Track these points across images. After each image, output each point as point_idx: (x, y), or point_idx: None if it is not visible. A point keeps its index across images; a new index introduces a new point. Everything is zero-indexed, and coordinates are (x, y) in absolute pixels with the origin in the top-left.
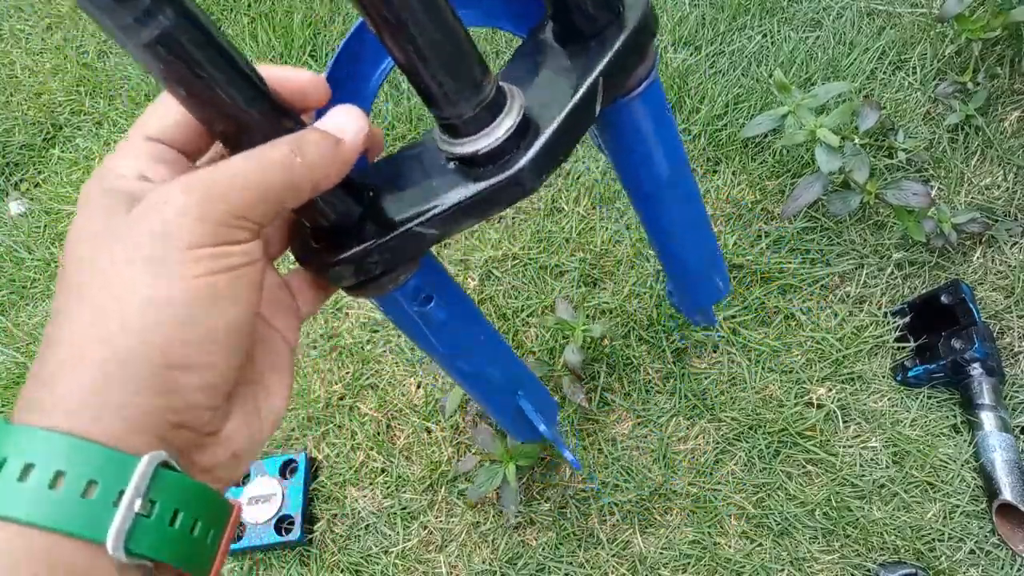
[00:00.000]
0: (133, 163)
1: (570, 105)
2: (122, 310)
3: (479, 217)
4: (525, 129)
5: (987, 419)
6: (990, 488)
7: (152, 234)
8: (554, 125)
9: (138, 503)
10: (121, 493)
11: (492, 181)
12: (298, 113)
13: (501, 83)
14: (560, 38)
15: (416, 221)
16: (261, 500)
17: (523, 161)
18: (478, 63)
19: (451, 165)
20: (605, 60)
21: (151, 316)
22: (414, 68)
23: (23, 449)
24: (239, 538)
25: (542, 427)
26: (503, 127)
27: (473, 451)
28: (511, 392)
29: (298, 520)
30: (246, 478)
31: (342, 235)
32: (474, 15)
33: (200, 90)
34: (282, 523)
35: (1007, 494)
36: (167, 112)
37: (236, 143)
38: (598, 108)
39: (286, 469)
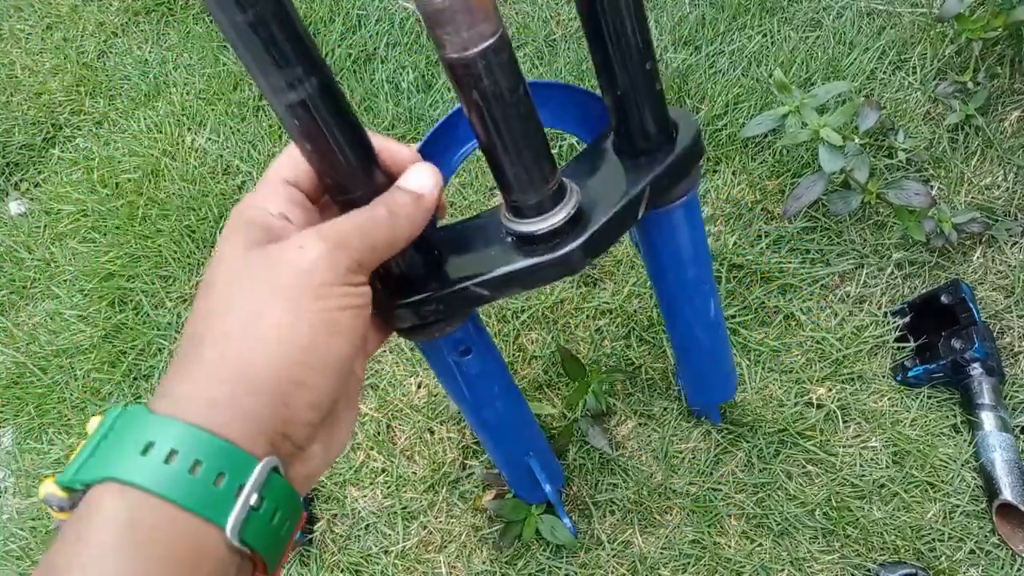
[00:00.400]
0: (274, 202)
1: (618, 206)
2: (261, 334)
3: (527, 287)
4: (578, 220)
5: (987, 419)
6: (990, 488)
7: (291, 272)
8: (603, 220)
9: (254, 498)
10: (241, 487)
11: (545, 258)
12: (392, 174)
13: (564, 178)
14: (619, 149)
15: (473, 281)
16: None
17: (573, 245)
18: (548, 159)
19: (510, 239)
20: (654, 174)
21: (284, 341)
22: (496, 154)
23: (168, 436)
24: None
25: (547, 487)
26: (560, 215)
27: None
28: (523, 450)
29: None
30: None
31: (408, 284)
32: (547, 116)
33: (324, 148)
34: None
35: (1007, 494)
36: (301, 161)
37: (340, 192)
38: (642, 211)
39: None
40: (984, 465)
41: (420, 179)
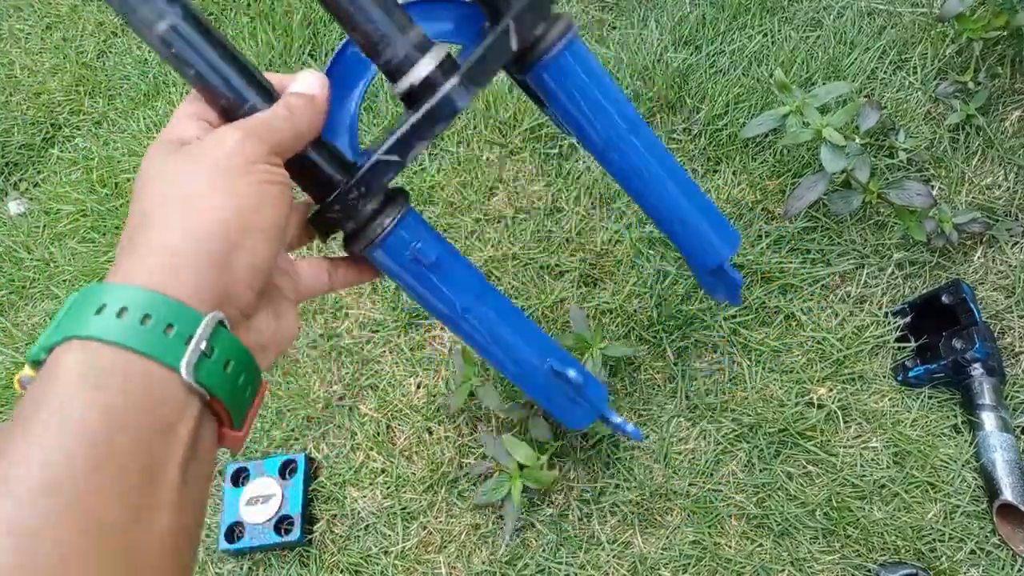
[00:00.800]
0: (185, 127)
1: (484, 43)
2: (198, 208)
3: (428, 137)
4: (452, 66)
5: (988, 419)
6: (991, 488)
7: (217, 156)
8: (473, 58)
9: (203, 344)
10: (190, 338)
11: (430, 104)
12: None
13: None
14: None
15: (378, 153)
16: (261, 500)
17: (449, 85)
18: (402, 12)
19: (401, 109)
20: (511, 14)
21: (219, 209)
22: (350, 16)
23: (118, 297)
24: (238, 538)
25: (575, 374)
26: (430, 63)
27: (488, 458)
28: (540, 355)
29: (298, 520)
30: (245, 478)
31: (328, 185)
32: (430, 30)
33: (203, 69)
34: (281, 523)
35: (1008, 494)
36: (198, 97)
37: (234, 112)
38: (514, 44)
39: (286, 469)
40: (985, 465)
41: (308, 81)
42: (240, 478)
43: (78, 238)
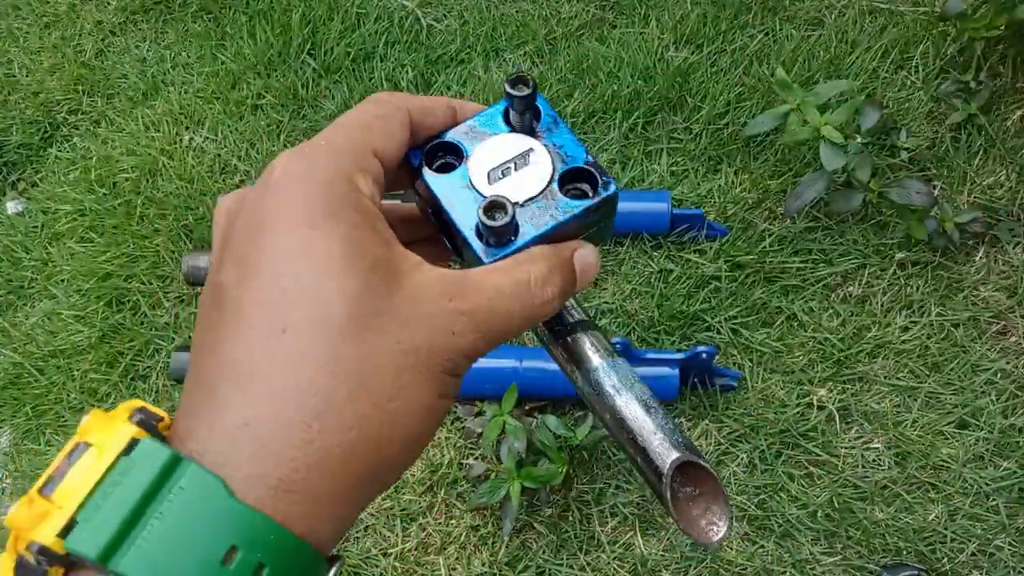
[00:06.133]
0: (364, 179)
1: None
2: (374, 415)
3: None
4: None
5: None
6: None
7: (431, 348)
8: None
9: None
10: None
11: None
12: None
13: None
14: None
15: None
16: None
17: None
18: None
19: None
20: None
21: (406, 427)
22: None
23: (235, 532)
24: None
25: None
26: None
27: (485, 459)
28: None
29: None
30: None
31: None
32: None
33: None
34: None
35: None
36: (394, 133)
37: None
38: None
39: None
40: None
41: (590, 258)
42: None
43: (76, 238)
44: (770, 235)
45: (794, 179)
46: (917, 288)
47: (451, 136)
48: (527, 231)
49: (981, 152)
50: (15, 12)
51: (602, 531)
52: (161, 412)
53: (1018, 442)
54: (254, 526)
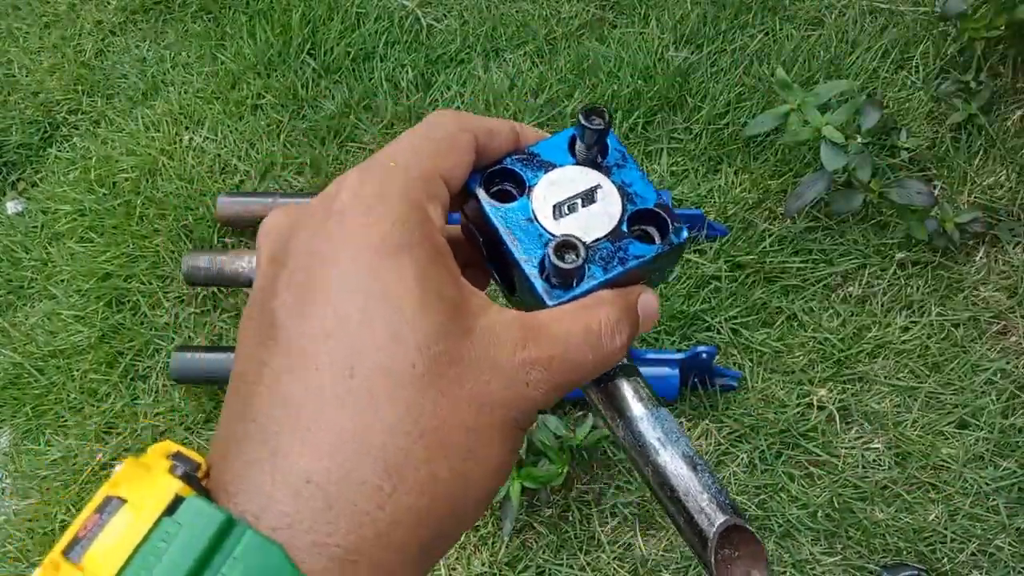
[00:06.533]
0: (434, 207)
1: None
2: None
3: None
4: None
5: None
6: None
7: (507, 401)
8: None
9: None
10: None
11: None
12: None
13: None
14: None
15: None
16: None
17: None
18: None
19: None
20: None
21: (478, 489)
22: None
23: None
24: None
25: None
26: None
27: None
28: None
29: None
30: None
31: None
32: None
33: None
34: None
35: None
36: (462, 158)
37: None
38: None
39: None
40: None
41: (652, 304)
42: None
43: (76, 238)
44: (770, 235)
45: (794, 179)
46: (917, 288)
47: (512, 163)
48: (594, 274)
49: (981, 152)
50: (15, 12)
51: (602, 531)
52: (198, 457)
53: (1018, 442)
54: None
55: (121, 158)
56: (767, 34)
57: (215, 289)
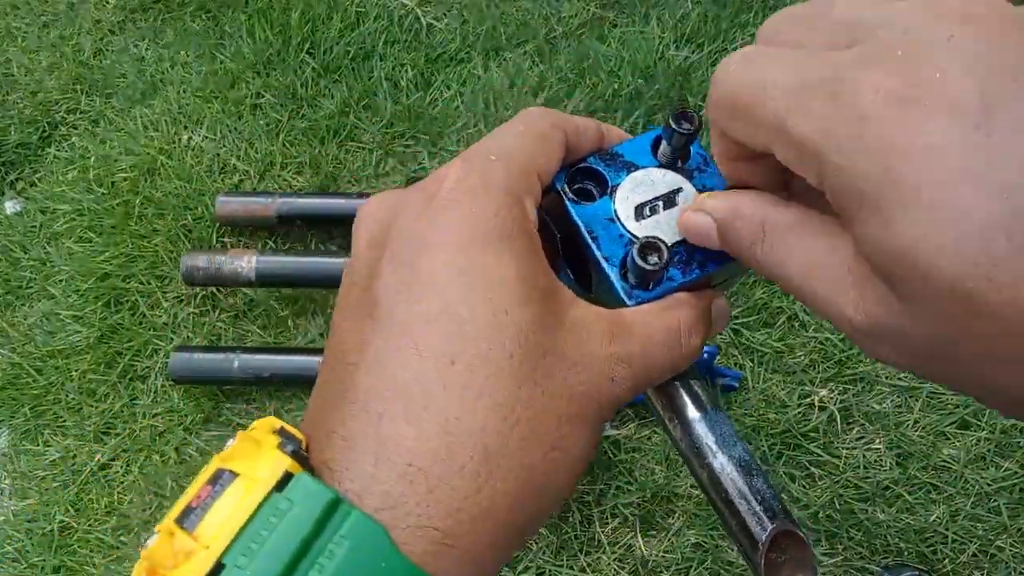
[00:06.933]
0: (531, 202)
1: None
2: (538, 480)
3: None
4: None
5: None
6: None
7: (587, 394)
8: None
9: None
10: None
11: None
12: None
13: None
14: None
15: None
16: None
17: None
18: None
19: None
20: None
21: (564, 477)
22: None
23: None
24: None
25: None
26: None
27: None
28: None
29: None
30: None
31: None
32: None
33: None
34: None
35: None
36: (554, 154)
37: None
38: None
39: None
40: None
41: (724, 309)
42: None
43: (75, 238)
44: None
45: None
46: None
47: (595, 162)
48: (673, 276)
49: None
50: (14, 11)
51: (602, 532)
52: (299, 434)
53: (1020, 442)
54: None
55: (120, 157)
56: None
57: (214, 289)
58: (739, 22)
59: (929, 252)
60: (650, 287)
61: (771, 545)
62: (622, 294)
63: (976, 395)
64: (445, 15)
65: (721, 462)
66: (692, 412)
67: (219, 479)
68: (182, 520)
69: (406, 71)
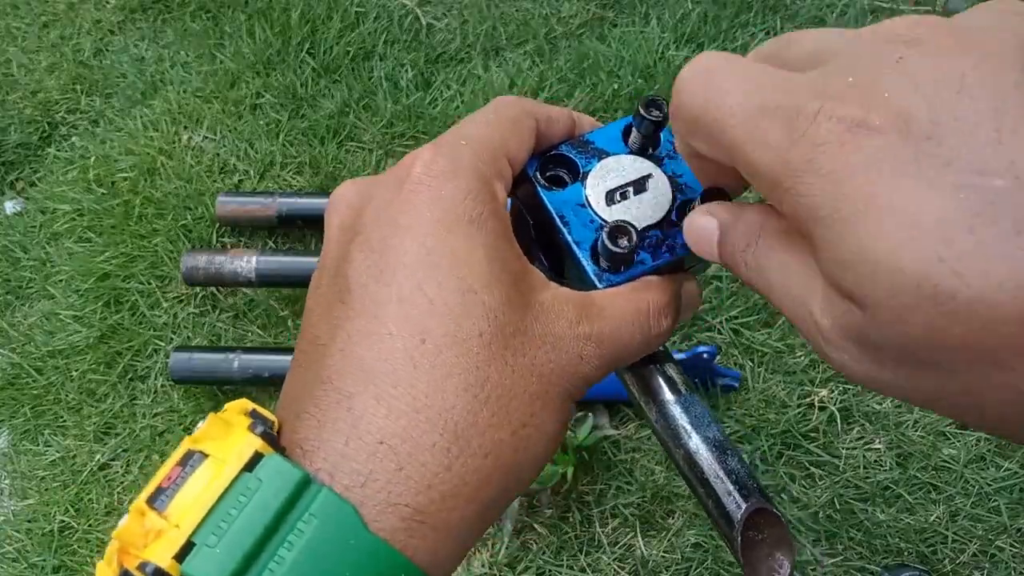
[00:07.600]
0: (500, 184)
1: None
2: (517, 445)
3: None
4: None
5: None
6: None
7: (565, 373)
8: None
9: None
10: None
11: None
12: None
13: None
14: None
15: None
16: None
17: None
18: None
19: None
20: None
21: (534, 454)
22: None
23: (367, 569)
24: None
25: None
26: None
27: None
28: None
29: None
30: None
31: None
32: None
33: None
34: None
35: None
36: (525, 140)
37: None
38: None
39: None
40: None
41: (694, 291)
42: None
43: (75, 238)
44: None
45: None
46: None
47: (567, 149)
48: (644, 259)
49: None
50: (13, 11)
51: (603, 532)
52: (271, 415)
53: None
54: (386, 563)
55: (120, 158)
56: (768, 33)
57: (214, 289)
58: (739, 22)
59: (888, 250)
60: (621, 270)
61: (749, 524)
62: (593, 277)
63: (954, 413)
64: (445, 15)
65: (696, 443)
66: (667, 395)
67: (189, 460)
68: (153, 500)
69: (406, 71)
